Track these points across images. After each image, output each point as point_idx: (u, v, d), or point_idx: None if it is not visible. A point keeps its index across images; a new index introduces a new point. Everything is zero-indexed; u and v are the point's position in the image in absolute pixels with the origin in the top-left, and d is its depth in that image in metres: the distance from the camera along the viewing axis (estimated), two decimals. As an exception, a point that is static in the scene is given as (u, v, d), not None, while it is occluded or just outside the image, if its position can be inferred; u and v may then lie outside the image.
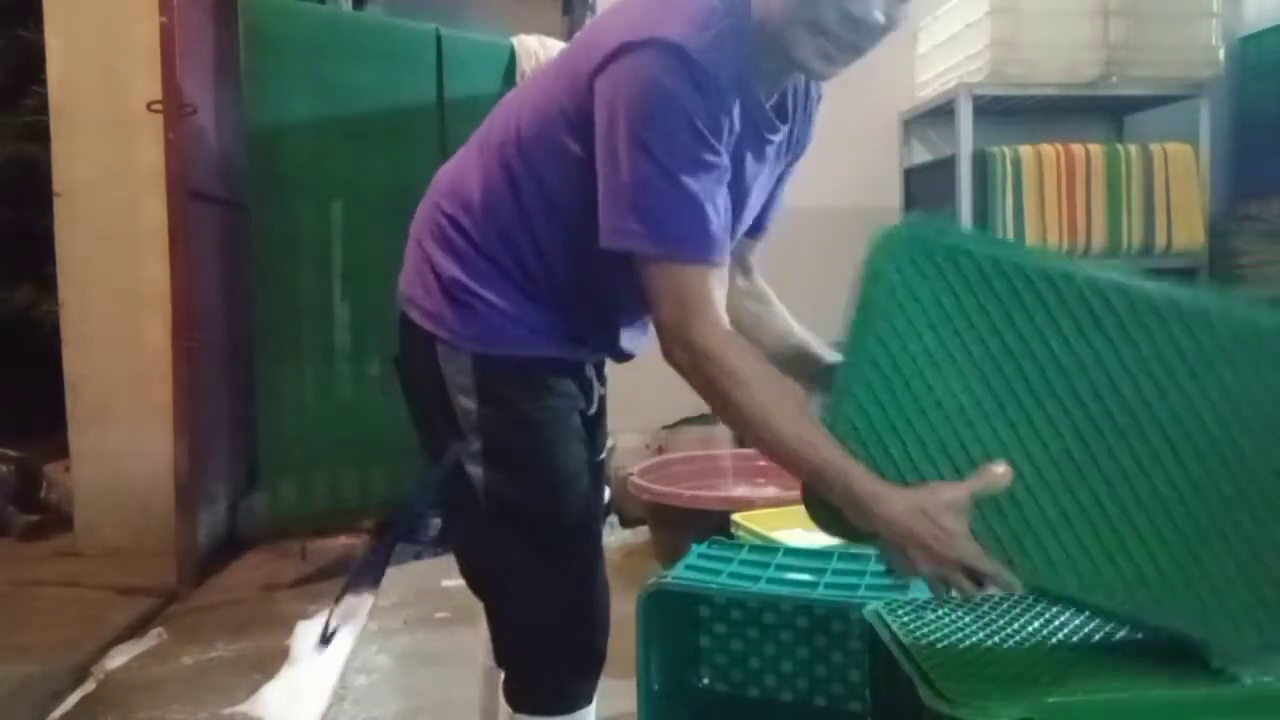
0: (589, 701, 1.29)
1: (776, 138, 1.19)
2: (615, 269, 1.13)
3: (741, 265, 1.37)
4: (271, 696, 2.17)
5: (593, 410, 1.32)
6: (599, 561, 1.31)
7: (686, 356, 1.05)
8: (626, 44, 1.03)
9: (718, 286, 1.06)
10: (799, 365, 1.32)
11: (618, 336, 1.28)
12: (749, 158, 1.16)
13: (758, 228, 1.36)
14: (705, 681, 1.72)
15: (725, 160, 1.07)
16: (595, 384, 1.32)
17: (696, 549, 1.71)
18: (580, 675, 1.28)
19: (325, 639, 2.43)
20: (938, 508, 0.98)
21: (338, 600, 2.65)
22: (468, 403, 1.18)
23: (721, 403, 1.05)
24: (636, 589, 1.59)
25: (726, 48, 1.04)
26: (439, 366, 1.19)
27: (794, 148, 1.28)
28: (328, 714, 2.10)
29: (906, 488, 1.01)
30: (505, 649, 1.29)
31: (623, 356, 1.32)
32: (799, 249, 3.98)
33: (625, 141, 1.03)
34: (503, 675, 1.31)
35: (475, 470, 1.19)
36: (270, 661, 2.34)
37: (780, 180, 1.32)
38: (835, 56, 1.09)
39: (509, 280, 1.18)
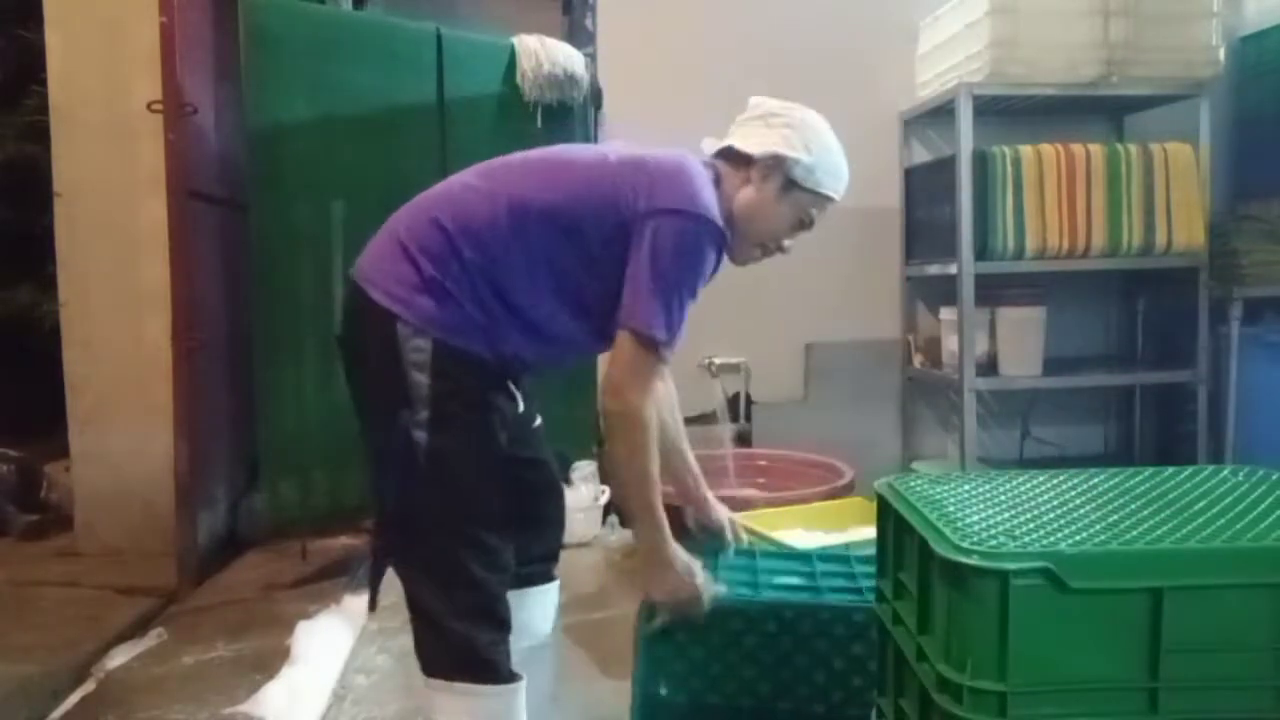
0: (514, 678, 1.48)
1: None
2: (565, 324, 1.51)
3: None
4: (271, 696, 2.17)
5: (521, 409, 1.58)
6: (509, 527, 1.52)
7: (621, 407, 1.44)
8: (681, 210, 1.45)
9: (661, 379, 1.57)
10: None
11: (538, 364, 1.59)
12: None
13: None
14: (699, 692, 1.71)
15: None
16: (519, 392, 1.58)
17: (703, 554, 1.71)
18: (492, 626, 1.46)
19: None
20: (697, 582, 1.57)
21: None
22: (420, 377, 1.41)
23: (625, 450, 1.46)
24: (637, 589, 1.60)
25: None
26: (397, 344, 1.41)
27: None
28: (328, 714, 2.11)
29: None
30: (425, 605, 1.46)
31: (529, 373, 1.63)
32: (800, 247, 3.99)
33: (668, 267, 1.43)
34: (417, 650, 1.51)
35: (419, 434, 1.42)
36: (270, 661, 2.34)
37: None
38: (773, 252, 1.66)
39: (480, 301, 1.44)
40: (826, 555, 1.75)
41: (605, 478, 3.56)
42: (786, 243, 1.64)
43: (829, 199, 1.60)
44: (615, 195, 1.47)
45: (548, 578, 1.75)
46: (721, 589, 1.60)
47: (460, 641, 1.43)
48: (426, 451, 1.41)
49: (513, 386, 1.54)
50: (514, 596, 1.55)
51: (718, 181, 1.56)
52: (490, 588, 1.46)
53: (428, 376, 1.41)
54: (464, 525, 1.45)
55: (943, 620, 0.98)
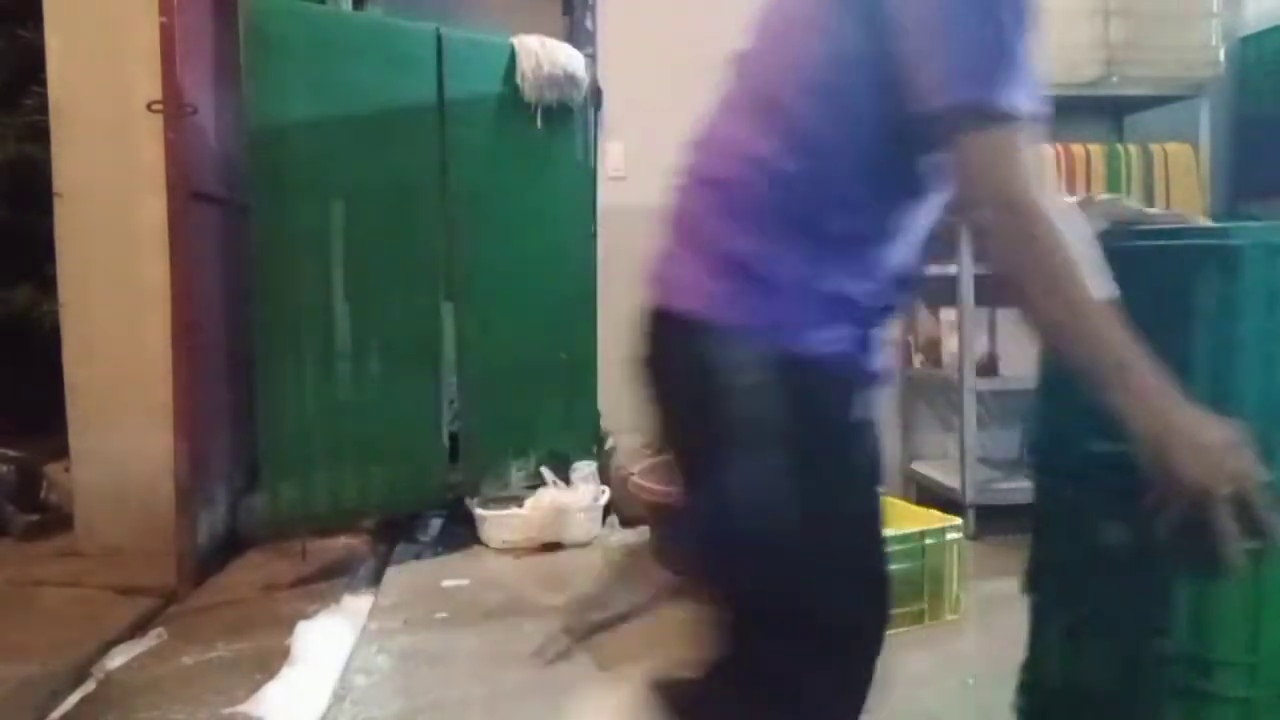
0: None
1: None
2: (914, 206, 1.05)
3: None
4: (271, 696, 2.17)
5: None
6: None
7: (1006, 213, 0.93)
8: None
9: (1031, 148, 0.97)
10: None
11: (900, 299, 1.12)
12: None
13: None
14: None
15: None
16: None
17: None
18: None
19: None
20: (1233, 435, 0.92)
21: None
22: (756, 405, 1.00)
23: (1035, 263, 0.93)
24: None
25: None
26: (720, 361, 1.01)
27: None
28: (328, 714, 2.11)
29: None
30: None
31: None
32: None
33: None
34: None
35: (759, 484, 1.00)
36: (270, 661, 2.34)
37: None
38: None
39: (823, 248, 1.02)
40: None
41: (604, 478, 3.56)
42: None
43: None
44: None
45: None
46: None
47: None
48: (769, 508, 1.00)
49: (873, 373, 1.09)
50: None
51: None
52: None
53: (770, 404, 0.99)
54: (837, 616, 1.04)
55: (1189, 596, 0.97)
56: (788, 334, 1.01)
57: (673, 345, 1.08)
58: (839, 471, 1.04)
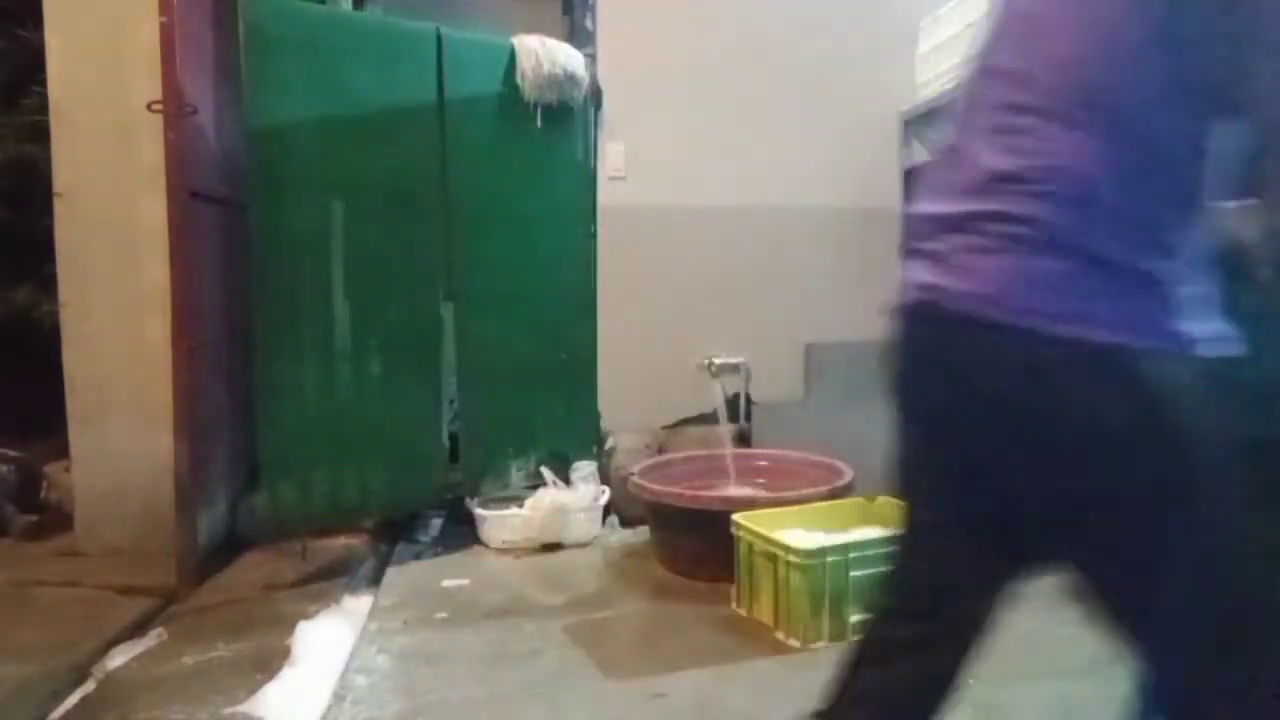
0: None
1: None
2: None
3: None
4: (271, 696, 2.17)
5: None
6: None
7: None
8: None
9: None
10: None
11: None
12: None
13: None
14: None
15: None
16: None
17: None
18: None
19: None
20: None
21: None
22: (1205, 425, 0.96)
23: None
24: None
25: None
26: (1157, 387, 0.95)
27: None
28: (328, 714, 2.11)
29: None
30: None
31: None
32: (800, 247, 3.99)
33: None
34: None
35: (1220, 507, 0.97)
36: (270, 661, 2.34)
37: None
38: None
39: (1178, 245, 0.99)
40: None
41: (604, 478, 3.57)
42: None
43: None
44: None
45: None
46: None
47: None
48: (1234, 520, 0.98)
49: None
50: None
51: None
52: None
53: (1212, 419, 0.97)
54: None
55: None
56: (1191, 344, 0.97)
57: (1075, 380, 0.97)
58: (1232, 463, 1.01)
